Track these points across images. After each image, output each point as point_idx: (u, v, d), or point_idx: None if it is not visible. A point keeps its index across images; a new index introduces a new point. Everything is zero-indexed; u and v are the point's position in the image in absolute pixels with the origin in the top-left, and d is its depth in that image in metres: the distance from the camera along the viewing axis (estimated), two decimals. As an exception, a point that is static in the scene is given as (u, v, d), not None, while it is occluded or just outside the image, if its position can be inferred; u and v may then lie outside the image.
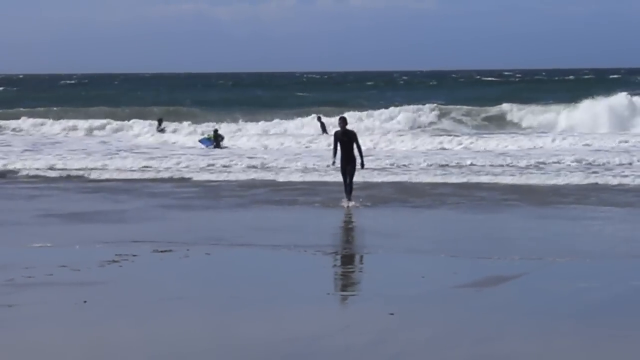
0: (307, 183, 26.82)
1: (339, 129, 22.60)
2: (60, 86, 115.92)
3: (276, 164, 31.67)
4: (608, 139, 39.08)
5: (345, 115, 26.79)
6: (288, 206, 22.33)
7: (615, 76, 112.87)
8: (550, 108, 50.99)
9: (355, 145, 22.20)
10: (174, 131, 46.74)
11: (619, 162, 30.91)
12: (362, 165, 22.59)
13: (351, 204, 21.83)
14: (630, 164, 30.76)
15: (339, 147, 22.41)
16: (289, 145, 39.51)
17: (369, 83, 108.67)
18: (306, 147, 39.00)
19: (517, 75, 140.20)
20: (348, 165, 22.21)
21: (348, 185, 22.21)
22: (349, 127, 22.69)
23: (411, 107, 51.73)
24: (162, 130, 46.08)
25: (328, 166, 23.07)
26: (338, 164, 22.47)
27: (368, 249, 16.78)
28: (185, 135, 44.26)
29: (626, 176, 27.06)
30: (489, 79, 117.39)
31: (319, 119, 46.30)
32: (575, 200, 22.50)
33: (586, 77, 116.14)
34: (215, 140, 39.28)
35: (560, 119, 48.39)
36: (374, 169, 29.14)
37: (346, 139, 22.24)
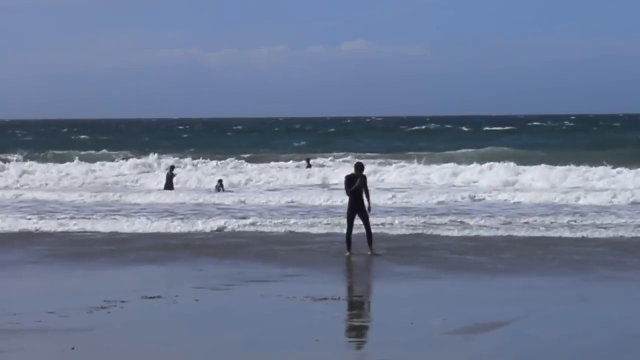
0: (296, 233, 26.78)
1: (353, 172, 21.71)
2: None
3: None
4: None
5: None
6: (279, 253, 22.27)
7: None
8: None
9: (364, 190, 21.67)
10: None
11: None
12: (369, 208, 21.96)
13: (369, 252, 21.42)
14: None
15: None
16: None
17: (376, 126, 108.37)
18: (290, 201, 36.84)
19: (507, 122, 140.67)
20: (358, 212, 21.64)
21: (367, 232, 21.58)
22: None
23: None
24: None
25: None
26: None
27: (357, 296, 16.74)
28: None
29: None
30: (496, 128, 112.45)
31: (307, 160, 50.86)
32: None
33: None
34: (219, 188, 40.93)
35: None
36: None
37: (358, 184, 21.51)
